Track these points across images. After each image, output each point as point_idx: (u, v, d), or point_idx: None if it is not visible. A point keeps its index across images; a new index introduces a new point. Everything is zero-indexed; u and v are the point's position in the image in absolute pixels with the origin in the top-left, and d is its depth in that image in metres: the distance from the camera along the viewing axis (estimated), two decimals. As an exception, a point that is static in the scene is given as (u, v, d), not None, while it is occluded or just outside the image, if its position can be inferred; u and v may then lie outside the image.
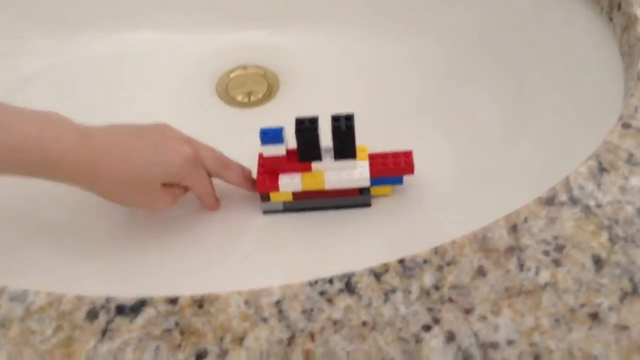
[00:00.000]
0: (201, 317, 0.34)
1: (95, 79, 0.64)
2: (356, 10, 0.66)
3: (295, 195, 0.49)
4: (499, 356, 0.32)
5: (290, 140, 0.47)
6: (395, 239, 0.46)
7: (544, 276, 0.35)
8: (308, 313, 0.35)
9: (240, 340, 0.34)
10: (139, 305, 0.35)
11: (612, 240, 0.36)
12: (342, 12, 0.66)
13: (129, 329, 0.34)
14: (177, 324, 0.34)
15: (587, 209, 0.38)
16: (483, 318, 0.34)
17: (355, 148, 0.47)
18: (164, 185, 0.45)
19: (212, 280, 0.42)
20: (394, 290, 0.35)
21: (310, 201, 0.50)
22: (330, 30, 0.66)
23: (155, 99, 0.62)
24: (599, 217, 0.38)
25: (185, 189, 0.48)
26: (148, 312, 0.34)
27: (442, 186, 0.50)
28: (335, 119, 0.46)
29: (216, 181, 0.50)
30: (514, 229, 0.37)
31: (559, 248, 0.36)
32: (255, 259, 0.47)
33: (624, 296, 0.34)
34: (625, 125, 0.42)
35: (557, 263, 0.36)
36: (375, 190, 0.50)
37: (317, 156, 0.47)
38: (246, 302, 0.35)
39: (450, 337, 0.33)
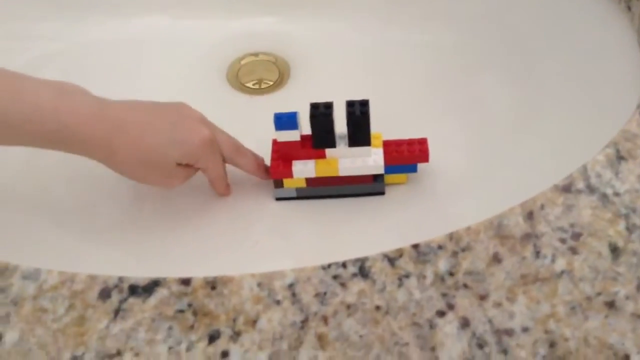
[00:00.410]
0: (214, 299, 0.34)
1: (105, 63, 0.63)
2: (367, -1, 0.66)
3: (309, 181, 0.49)
4: (514, 343, 0.32)
5: (304, 126, 0.47)
6: (409, 228, 0.46)
7: (560, 264, 0.35)
8: (321, 296, 0.34)
9: (253, 322, 0.33)
10: (152, 286, 0.35)
11: (629, 229, 0.36)
12: (353, 0, 0.66)
13: (142, 309, 0.34)
14: (190, 305, 0.34)
15: (604, 197, 0.38)
16: (498, 305, 0.34)
17: (370, 134, 0.47)
18: (178, 164, 0.45)
19: (224, 264, 0.42)
20: (408, 275, 0.35)
21: (324, 188, 0.49)
22: (341, 17, 0.66)
23: (165, 85, 0.61)
24: (617, 205, 0.37)
25: (197, 168, 0.47)
26: (161, 293, 0.34)
27: (457, 174, 0.49)
28: (350, 104, 0.45)
29: (229, 167, 0.49)
30: (530, 215, 0.37)
31: (576, 236, 0.36)
32: (267, 245, 0.47)
33: (641, 285, 0.34)
34: (644, 114, 0.42)
35: (573, 251, 0.35)
36: (389, 178, 0.49)
37: (332, 143, 0.47)
38: (259, 285, 0.35)
39: (465, 323, 0.33)
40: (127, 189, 0.46)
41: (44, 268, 0.35)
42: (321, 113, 0.45)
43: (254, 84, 0.63)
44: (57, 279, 0.35)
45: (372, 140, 0.48)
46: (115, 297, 0.34)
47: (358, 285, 0.35)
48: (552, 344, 0.32)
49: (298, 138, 0.47)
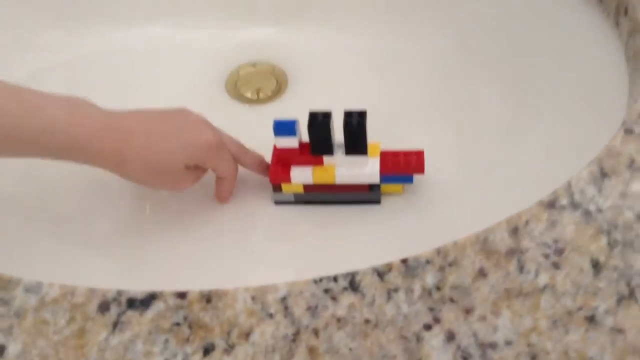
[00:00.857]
0: (209, 312, 0.35)
1: (105, 73, 0.64)
2: (364, 7, 0.67)
3: (307, 187, 0.50)
4: (497, 356, 0.33)
5: (304, 134, 0.48)
6: (402, 238, 0.47)
7: (543, 279, 0.36)
8: (313, 310, 0.36)
9: (246, 335, 0.35)
10: (149, 299, 0.36)
11: (611, 244, 0.37)
12: (350, 9, 0.67)
13: (139, 322, 0.35)
14: (185, 318, 0.35)
15: (587, 213, 0.39)
16: (483, 318, 0.35)
17: (367, 144, 0.48)
18: (187, 167, 0.46)
19: (221, 271, 0.43)
20: (396, 290, 0.36)
21: (321, 194, 0.51)
22: (339, 27, 0.67)
23: (165, 95, 0.62)
24: (599, 221, 0.38)
25: (205, 169, 0.49)
26: (158, 306, 0.36)
27: (451, 186, 0.50)
28: (348, 115, 0.47)
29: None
30: (515, 231, 0.38)
31: (559, 251, 0.37)
32: (264, 251, 0.48)
33: (620, 300, 0.35)
34: (628, 131, 0.43)
35: (556, 266, 0.37)
36: (385, 187, 0.50)
37: (329, 150, 0.48)
38: (253, 298, 0.36)
39: (450, 337, 0.34)
40: (125, 201, 0.48)
41: (46, 281, 0.37)
42: (319, 121, 0.46)
43: (252, 94, 0.64)
44: (58, 292, 0.36)
45: (370, 150, 0.49)
46: (114, 310, 0.35)
47: (348, 299, 0.36)
48: (533, 357, 0.33)
49: (296, 145, 0.48)
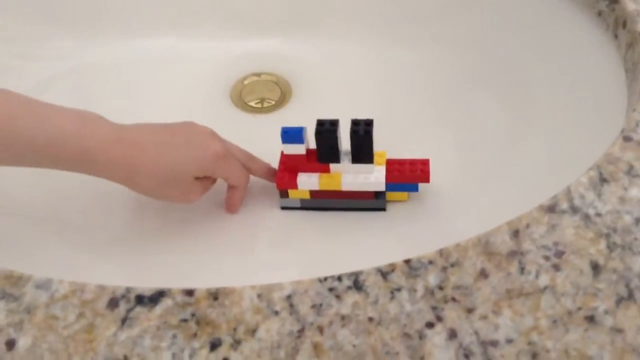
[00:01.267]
0: (216, 309, 0.36)
1: (112, 83, 0.66)
2: (367, 18, 0.68)
3: (313, 193, 0.51)
4: (498, 353, 0.34)
5: (311, 141, 0.49)
6: (406, 243, 0.48)
7: (544, 280, 0.37)
8: (317, 308, 0.36)
9: (252, 331, 0.35)
10: (157, 296, 0.37)
11: (610, 247, 0.38)
12: (353, 20, 0.68)
13: (148, 318, 0.36)
14: (193, 315, 0.36)
15: (586, 217, 0.40)
16: (484, 317, 0.35)
17: (373, 153, 0.49)
18: (196, 178, 0.47)
19: (228, 272, 0.44)
20: (399, 289, 0.37)
21: (327, 201, 0.51)
22: (342, 38, 0.68)
23: (170, 104, 0.64)
24: (598, 225, 0.39)
25: (215, 179, 0.50)
26: (166, 303, 0.36)
27: (455, 194, 0.51)
28: (355, 123, 0.48)
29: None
30: (515, 234, 0.39)
31: (559, 253, 0.38)
32: (270, 253, 0.49)
33: (619, 301, 0.36)
34: (627, 139, 0.44)
35: (556, 268, 0.37)
36: (391, 195, 0.51)
37: (336, 158, 0.49)
38: (259, 296, 0.37)
39: (452, 335, 0.35)
40: (134, 201, 0.48)
41: (56, 278, 0.37)
42: (326, 129, 0.47)
43: (256, 103, 0.65)
44: (68, 288, 0.37)
45: (376, 158, 0.50)
46: (122, 307, 0.36)
47: (352, 297, 0.37)
48: (534, 355, 0.34)
49: (304, 152, 0.49)
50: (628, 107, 0.48)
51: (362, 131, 0.47)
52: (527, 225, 0.40)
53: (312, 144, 0.50)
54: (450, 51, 0.64)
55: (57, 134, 0.41)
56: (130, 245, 0.49)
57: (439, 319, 0.36)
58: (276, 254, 0.49)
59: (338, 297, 0.37)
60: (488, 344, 0.34)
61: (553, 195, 0.41)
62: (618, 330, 0.35)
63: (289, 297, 0.37)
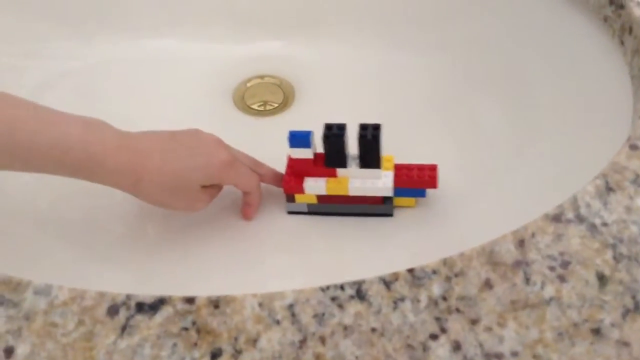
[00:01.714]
0: (217, 317, 0.36)
1: (115, 84, 0.65)
2: (371, 22, 0.68)
3: (320, 198, 0.50)
4: (503, 366, 0.34)
5: (318, 145, 0.49)
6: (414, 250, 0.47)
7: (549, 291, 0.36)
8: (319, 317, 0.36)
9: (253, 341, 0.35)
10: (158, 304, 0.36)
11: (616, 258, 0.38)
12: (357, 23, 0.68)
13: (148, 326, 0.35)
14: (193, 323, 0.35)
15: (593, 227, 0.39)
16: (489, 329, 0.35)
17: (380, 158, 0.48)
18: (202, 186, 0.47)
19: (234, 279, 0.44)
20: (403, 299, 0.37)
21: (334, 206, 0.51)
22: (346, 41, 0.68)
23: (173, 106, 0.63)
24: (604, 235, 0.39)
25: (221, 187, 0.50)
26: (166, 311, 0.36)
27: (462, 200, 0.51)
28: (363, 128, 0.47)
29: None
30: (521, 243, 0.39)
31: (565, 264, 0.37)
32: (275, 260, 0.48)
33: (626, 313, 0.35)
34: (633, 147, 0.43)
35: (562, 279, 0.37)
36: (398, 201, 0.51)
37: (343, 163, 0.49)
38: (260, 305, 0.36)
39: (457, 347, 0.34)
40: (135, 207, 0.48)
41: (56, 284, 0.37)
42: (334, 134, 0.47)
43: (259, 106, 0.65)
44: (68, 295, 0.36)
45: (384, 163, 0.49)
46: (122, 314, 0.36)
47: (355, 307, 0.36)
48: (539, 368, 0.33)
49: (311, 156, 0.49)
50: (634, 114, 0.48)
51: (370, 135, 0.47)
52: (533, 235, 0.39)
53: (319, 148, 0.49)
54: (454, 56, 0.64)
55: (60, 140, 0.40)
56: (133, 252, 0.48)
57: (443, 330, 0.35)
58: (282, 260, 0.49)
59: (340, 306, 0.36)
60: (492, 357, 0.34)
61: (559, 204, 0.40)
62: (624, 344, 0.34)
63: (290, 306, 0.36)
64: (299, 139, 0.48)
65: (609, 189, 0.41)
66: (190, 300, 0.36)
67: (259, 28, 0.69)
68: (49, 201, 0.51)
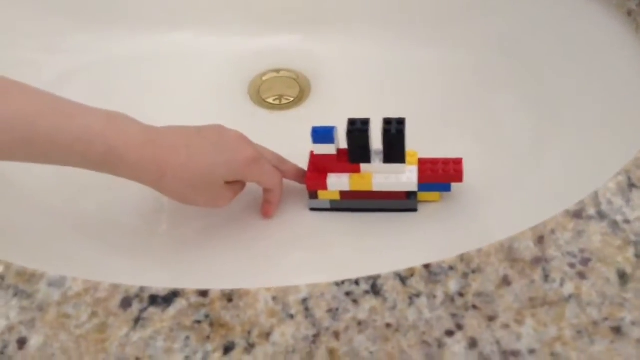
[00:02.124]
0: (230, 311, 0.35)
1: (131, 78, 0.65)
2: (387, 17, 0.67)
3: (343, 194, 0.50)
4: (521, 364, 0.33)
5: (341, 140, 0.48)
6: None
7: (569, 288, 0.36)
8: (334, 312, 0.35)
9: (267, 335, 0.34)
10: (171, 296, 0.36)
11: (638, 256, 0.37)
12: (374, 18, 0.67)
13: (161, 319, 0.35)
14: (207, 316, 0.35)
15: (614, 224, 0.38)
16: (506, 326, 0.34)
17: (405, 152, 0.48)
18: (227, 182, 0.46)
19: (255, 275, 0.43)
20: (418, 295, 0.36)
21: (357, 202, 0.50)
22: (362, 36, 0.67)
23: (188, 100, 0.63)
24: (627, 232, 0.38)
25: (244, 184, 0.49)
26: (180, 303, 0.36)
27: (486, 195, 0.50)
28: (387, 122, 0.46)
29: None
30: (540, 240, 0.38)
31: (585, 261, 0.37)
32: (299, 256, 0.48)
33: (647, 312, 0.34)
34: (657, 143, 0.43)
35: (582, 276, 0.36)
36: (423, 195, 0.50)
37: (367, 158, 0.48)
38: (274, 299, 0.36)
39: (473, 344, 0.34)
40: (152, 202, 0.48)
41: (69, 276, 0.37)
42: (358, 129, 0.46)
43: (274, 100, 0.65)
44: (81, 286, 0.36)
45: (407, 158, 0.48)
46: (135, 306, 0.36)
47: (370, 302, 0.36)
48: (557, 367, 0.33)
49: (334, 152, 0.48)
50: (658, 109, 0.47)
51: (395, 130, 0.46)
52: (552, 231, 0.38)
53: (341, 144, 0.48)
54: (473, 52, 0.63)
55: (83, 133, 0.40)
56: (149, 246, 0.48)
57: (459, 327, 0.35)
58: (304, 257, 0.48)
59: (355, 301, 0.36)
60: (509, 354, 0.33)
61: (580, 201, 0.40)
62: (646, 343, 0.33)
63: (304, 300, 0.36)
64: (322, 134, 0.47)
65: (632, 185, 0.40)
66: (203, 294, 0.36)
67: (274, 22, 0.68)
68: (63, 194, 0.51)
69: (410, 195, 0.49)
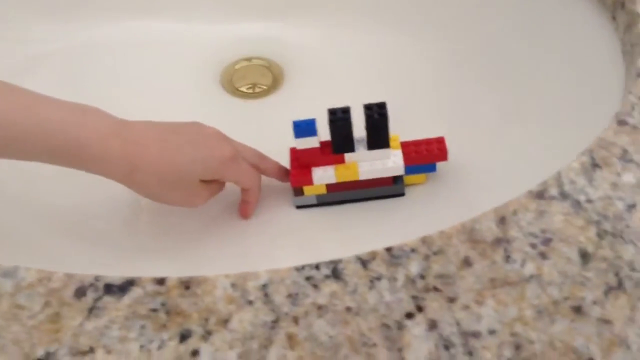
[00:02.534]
0: (187, 299, 0.35)
1: (100, 66, 0.64)
2: (359, 3, 0.66)
3: (329, 187, 0.49)
4: (480, 345, 0.33)
5: (320, 132, 0.47)
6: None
7: (530, 268, 0.35)
8: (293, 297, 0.35)
9: (224, 322, 0.34)
10: (127, 285, 0.35)
11: (600, 235, 0.36)
12: (346, 4, 0.66)
13: (116, 308, 0.34)
14: (163, 304, 0.35)
15: (577, 203, 0.38)
16: (466, 307, 0.34)
17: (389, 137, 0.47)
18: (202, 181, 0.45)
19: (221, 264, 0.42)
20: (379, 278, 0.36)
21: (344, 193, 0.49)
22: (334, 22, 0.66)
23: (159, 89, 0.62)
24: (589, 212, 0.38)
25: (222, 184, 0.48)
26: (136, 292, 0.35)
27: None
28: (368, 108, 0.45)
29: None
30: (502, 221, 0.38)
31: (546, 241, 0.36)
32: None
33: (608, 290, 0.34)
34: (621, 122, 0.42)
35: (543, 256, 0.36)
36: (409, 179, 0.49)
37: (351, 147, 0.47)
38: (233, 285, 0.35)
39: (433, 325, 0.33)
40: (110, 189, 0.47)
41: (23, 266, 0.36)
42: (340, 118, 0.45)
43: (248, 88, 0.64)
44: (35, 276, 0.36)
45: (390, 142, 0.48)
46: (90, 296, 0.35)
47: (330, 287, 0.35)
48: (517, 347, 0.32)
49: (317, 144, 0.47)
50: (625, 90, 0.46)
51: (377, 115, 0.45)
52: (515, 212, 0.38)
53: (322, 136, 0.47)
54: (445, 34, 0.62)
55: (50, 124, 0.38)
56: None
57: (419, 309, 0.34)
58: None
59: (315, 286, 0.35)
60: (469, 335, 0.33)
61: (542, 181, 0.39)
62: (606, 322, 0.33)
63: (264, 286, 0.35)
64: (304, 128, 0.46)
65: (595, 165, 0.40)
66: (160, 282, 0.36)
67: (246, 8, 0.67)
68: (17, 182, 0.50)
69: (397, 179, 0.49)
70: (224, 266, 0.42)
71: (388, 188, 0.49)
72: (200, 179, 0.44)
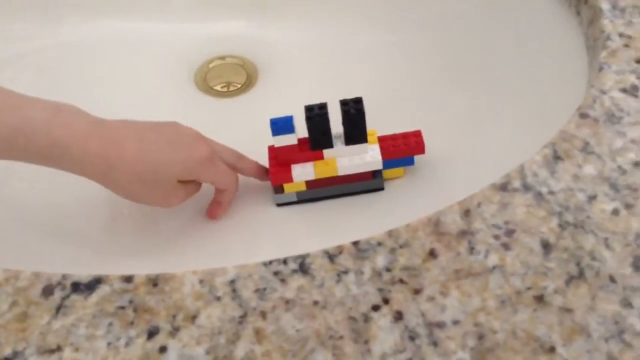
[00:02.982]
0: (155, 296, 0.35)
1: (74, 65, 0.64)
2: (330, 1, 0.66)
3: (309, 184, 0.49)
4: (444, 335, 0.33)
5: (298, 129, 0.47)
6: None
7: (493, 259, 0.36)
8: (261, 292, 0.35)
9: (192, 318, 0.34)
10: (94, 283, 0.35)
11: (562, 226, 0.37)
12: (320, 3, 0.67)
13: (84, 306, 0.34)
14: (131, 302, 0.35)
15: (539, 195, 0.39)
16: (431, 299, 0.35)
17: (366, 131, 0.47)
18: (179, 181, 0.45)
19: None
20: (346, 271, 0.36)
21: (324, 189, 0.50)
22: (309, 20, 0.66)
23: (133, 88, 0.62)
24: (551, 203, 0.38)
25: (199, 184, 0.48)
26: (103, 290, 0.35)
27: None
28: (344, 103, 0.46)
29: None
30: (467, 213, 0.38)
31: (509, 232, 0.37)
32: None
33: (570, 280, 0.35)
34: (583, 115, 0.43)
35: (506, 247, 0.36)
36: (387, 173, 0.50)
37: (329, 143, 0.47)
38: (200, 282, 0.36)
39: (398, 317, 0.34)
40: (82, 187, 0.46)
41: (-9, 266, 0.36)
42: (317, 114, 0.45)
43: (222, 87, 0.64)
44: (2, 276, 0.36)
45: (368, 137, 0.48)
46: (57, 294, 0.35)
47: (298, 281, 0.36)
48: (480, 336, 0.33)
49: (295, 141, 0.47)
50: (587, 84, 0.47)
51: (354, 110, 0.45)
52: (479, 204, 0.39)
53: (300, 132, 0.48)
54: (416, 31, 0.63)
55: (26, 123, 0.38)
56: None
57: (386, 301, 0.35)
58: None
59: (283, 280, 0.36)
60: (434, 326, 0.34)
61: (506, 174, 0.40)
62: (567, 310, 0.34)
63: (232, 282, 0.36)
64: (281, 125, 0.46)
65: (557, 158, 0.41)
66: (128, 279, 0.36)
67: (220, 7, 0.67)
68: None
69: (375, 174, 0.49)
70: (200, 265, 0.43)
71: (367, 183, 0.50)
72: (177, 179, 0.44)
